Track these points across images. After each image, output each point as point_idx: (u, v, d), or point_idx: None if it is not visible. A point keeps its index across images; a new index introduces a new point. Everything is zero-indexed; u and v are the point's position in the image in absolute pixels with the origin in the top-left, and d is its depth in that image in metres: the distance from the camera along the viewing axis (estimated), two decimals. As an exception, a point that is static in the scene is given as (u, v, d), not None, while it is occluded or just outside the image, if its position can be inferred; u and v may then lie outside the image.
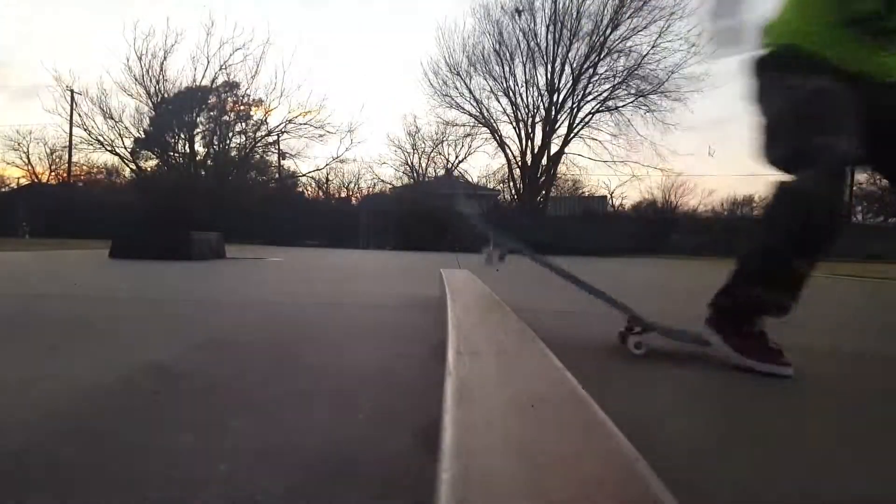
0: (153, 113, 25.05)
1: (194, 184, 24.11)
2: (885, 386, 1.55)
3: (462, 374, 0.75)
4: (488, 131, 26.23)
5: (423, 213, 20.50)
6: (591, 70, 24.35)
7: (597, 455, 0.48)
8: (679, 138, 43.13)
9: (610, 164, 26.52)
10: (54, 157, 27.46)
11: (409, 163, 28.48)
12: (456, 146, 28.50)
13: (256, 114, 26.27)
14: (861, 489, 0.82)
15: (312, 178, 27.89)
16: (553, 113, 24.98)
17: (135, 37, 26.05)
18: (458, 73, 25.29)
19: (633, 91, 23.97)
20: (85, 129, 24.71)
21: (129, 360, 1.44)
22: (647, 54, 23.21)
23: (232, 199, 22.38)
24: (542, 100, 25.24)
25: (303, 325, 2.17)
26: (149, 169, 26.27)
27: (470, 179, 28.14)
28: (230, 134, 26.51)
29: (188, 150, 25.82)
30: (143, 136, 25.32)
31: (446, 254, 13.52)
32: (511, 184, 26.73)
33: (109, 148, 25.06)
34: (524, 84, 25.12)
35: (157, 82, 24.54)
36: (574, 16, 23.76)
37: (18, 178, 27.34)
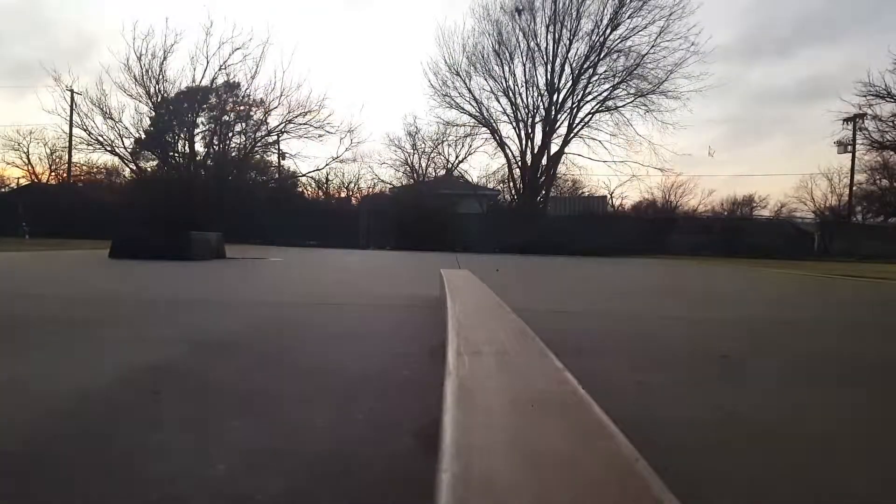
0: (153, 113, 25.04)
1: (194, 184, 24.09)
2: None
3: (462, 374, 0.74)
4: (488, 131, 26.22)
5: (423, 213, 20.50)
6: (590, 70, 24.36)
7: (597, 455, 0.48)
8: (679, 138, 43.05)
9: (610, 164, 26.52)
10: (54, 157, 27.43)
11: (409, 163, 28.46)
12: (456, 146, 28.42)
13: (256, 114, 26.24)
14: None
15: (312, 178, 27.83)
16: (553, 113, 24.97)
17: (134, 36, 26.00)
18: (457, 73, 25.27)
19: (632, 91, 23.96)
20: (85, 130, 24.71)
21: (129, 360, 1.44)
22: (646, 54, 23.20)
23: (232, 199, 22.36)
24: (541, 100, 25.23)
25: (303, 325, 2.17)
26: (149, 169, 26.26)
27: (470, 179, 28.11)
28: (230, 134, 26.48)
29: (188, 151, 25.80)
30: (143, 136, 25.31)
31: (446, 254, 13.51)
32: (511, 184, 26.71)
33: (109, 148, 25.06)
34: (524, 84, 25.12)
35: (157, 82, 24.54)
36: (574, 16, 23.77)
37: (18, 178, 27.28)
